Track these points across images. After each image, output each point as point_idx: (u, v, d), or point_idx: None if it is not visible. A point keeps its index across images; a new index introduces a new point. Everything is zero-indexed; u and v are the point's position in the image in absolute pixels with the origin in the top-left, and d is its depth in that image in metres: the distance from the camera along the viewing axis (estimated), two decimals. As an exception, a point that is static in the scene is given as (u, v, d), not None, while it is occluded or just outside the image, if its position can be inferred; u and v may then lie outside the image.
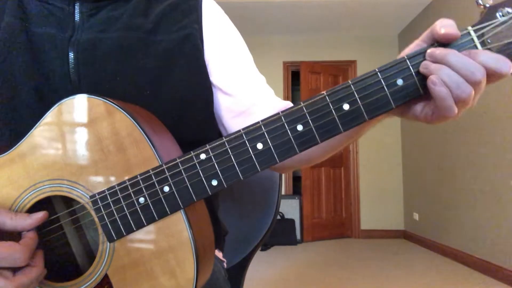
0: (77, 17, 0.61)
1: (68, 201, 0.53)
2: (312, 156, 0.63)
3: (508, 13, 0.36)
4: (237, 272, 0.91)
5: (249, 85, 0.67)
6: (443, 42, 0.39)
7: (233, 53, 0.68)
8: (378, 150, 4.59)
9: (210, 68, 0.66)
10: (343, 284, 2.72)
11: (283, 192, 4.59)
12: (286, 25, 4.46)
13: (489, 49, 0.37)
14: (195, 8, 0.67)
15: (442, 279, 2.80)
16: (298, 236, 4.28)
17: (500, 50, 0.37)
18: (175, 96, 0.61)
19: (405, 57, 0.40)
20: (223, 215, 0.78)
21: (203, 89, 0.64)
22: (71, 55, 0.58)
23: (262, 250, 3.83)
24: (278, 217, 4.08)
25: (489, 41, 0.37)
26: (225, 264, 0.81)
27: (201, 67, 0.64)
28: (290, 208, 4.31)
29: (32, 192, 0.49)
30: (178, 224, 0.46)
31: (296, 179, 4.99)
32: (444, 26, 0.39)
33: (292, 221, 4.24)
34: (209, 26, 0.67)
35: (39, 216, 0.46)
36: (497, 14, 0.37)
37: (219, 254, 0.79)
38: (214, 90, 0.66)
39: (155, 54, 0.61)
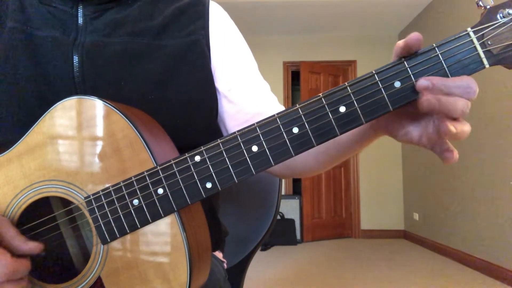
0: (80, 20, 0.60)
1: (66, 202, 0.53)
2: (312, 167, 0.63)
3: (509, 14, 0.35)
4: (237, 272, 0.91)
5: (254, 94, 0.67)
6: (408, 52, 0.39)
7: (239, 60, 0.68)
8: (378, 150, 4.58)
9: (216, 75, 0.66)
10: (343, 284, 2.72)
11: (283, 192, 4.59)
12: (286, 25, 4.46)
13: (489, 50, 0.37)
14: (202, 14, 0.66)
15: (442, 279, 2.80)
16: (298, 236, 4.28)
17: (501, 52, 0.37)
18: (179, 102, 0.60)
19: (403, 59, 0.40)
20: (223, 215, 0.78)
21: (207, 95, 0.64)
22: (75, 58, 0.57)
23: (262, 250, 3.83)
24: (278, 217, 4.08)
25: (489, 42, 0.36)
26: (225, 265, 0.81)
27: (206, 74, 0.64)
28: (290, 208, 4.32)
29: (28, 193, 0.49)
30: (171, 227, 0.45)
31: (296, 179, 4.99)
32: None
33: (292, 221, 4.24)
34: (216, 32, 0.67)
35: (36, 245, 0.46)
36: (498, 16, 0.36)
37: (219, 254, 0.79)
38: (219, 97, 0.66)
39: (160, 58, 0.61)
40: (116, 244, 0.47)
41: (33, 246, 0.46)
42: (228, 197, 0.92)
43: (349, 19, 4.32)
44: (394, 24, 4.46)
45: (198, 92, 0.62)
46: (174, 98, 0.60)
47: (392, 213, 4.59)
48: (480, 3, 0.37)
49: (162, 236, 0.46)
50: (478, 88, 0.37)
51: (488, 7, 0.37)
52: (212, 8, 0.69)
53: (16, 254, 0.45)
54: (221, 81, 0.66)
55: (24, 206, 0.49)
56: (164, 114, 0.57)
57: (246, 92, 0.66)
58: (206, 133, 0.64)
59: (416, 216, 4.23)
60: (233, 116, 0.66)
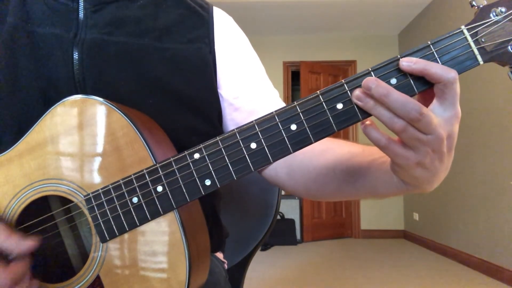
0: (81, 13, 0.59)
1: (65, 201, 0.53)
2: (332, 197, 0.60)
3: (502, 12, 0.36)
4: (237, 272, 0.90)
5: (262, 100, 0.66)
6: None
7: (246, 67, 0.67)
8: (378, 150, 4.58)
9: (222, 83, 0.65)
10: (343, 284, 2.72)
11: (283, 192, 4.58)
12: (286, 25, 4.46)
13: (483, 48, 0.37)
14: (207, 20, 0.66)
15: (442, 279, 2.79)
16: (298, 236, 4.28)
17: (494, 49, 0.37)
18: (178, 107, 0.60)
19: (399, 56, 0.40)
20: (223, 215, 0.77)
21: (208, 102, 0.64)
22: (75, 55, 0.57)
23: (262, 250, 3.82)
24: (278, 217, 4.07)
25: (483, 40, 0.37)
26: (225, 265, 0.80)
27: (208, 82, 0.63)
28: (290, 208, 4.31)
29: (28, 192, 0.49)
30: (171, 225, 0.45)
31: (296, 179, 4.98)
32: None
33: (292, 221, 4.24)
34: (221, 40, 0.66)
35: (29, 244, 0.44)
36: (491, 14, 0.37)
37: (220, 255, 0.78)
38: (225, 104, 0.66)
39: (161, 62, 0.60)
40: (115, 242, 0.47)
41: (25, 246, 0.44)
42: (228, 197, 0.92)
43: (349, 19, 4.32)
44: (394, 24, 4.46)
45: (198, 99, 0.62)
46: (173, 103, 0.60)
47: (392, 213, 4.59)
48: (474, 2, 0.37)
49: (161, 234, 0.46)
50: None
51: (481, 6, 0.37)
52: (216, 15, 0.68)
53: (10, 257, 0.44)
54: (227, 88, 0.65)
55: (23, 205, 0.49)
56: (164, 118, 0.56)
57: (254, 99, 0.65)
58: (208, 139, 0.64)
59: (416, 216, 4.23)
60: (241, 123, 0.65)
